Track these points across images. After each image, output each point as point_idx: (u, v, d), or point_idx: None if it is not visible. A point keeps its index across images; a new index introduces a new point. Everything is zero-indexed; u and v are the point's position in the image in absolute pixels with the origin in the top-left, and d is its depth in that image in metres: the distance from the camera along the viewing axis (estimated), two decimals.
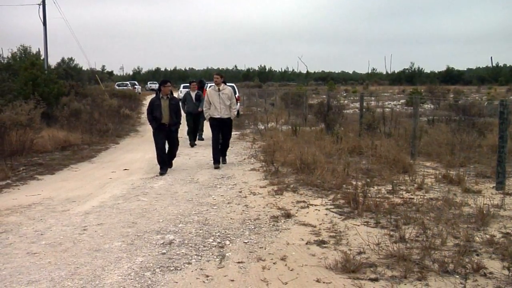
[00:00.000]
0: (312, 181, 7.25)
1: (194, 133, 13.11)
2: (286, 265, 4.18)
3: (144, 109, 27.17)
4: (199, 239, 4.92)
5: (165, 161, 8.90)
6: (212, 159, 9.45)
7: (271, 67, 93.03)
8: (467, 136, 10.31)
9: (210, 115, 9.29)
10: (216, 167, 9.15)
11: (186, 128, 13.02)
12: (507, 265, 3.81)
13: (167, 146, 9.12)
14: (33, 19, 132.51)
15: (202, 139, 13.85)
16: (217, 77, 9.28)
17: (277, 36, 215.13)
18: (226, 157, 9.81)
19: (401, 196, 6.42)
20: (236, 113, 9.68)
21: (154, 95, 10.20)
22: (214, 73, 9.80)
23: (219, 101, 9.17)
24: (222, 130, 9.38)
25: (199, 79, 15.26)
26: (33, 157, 10.44)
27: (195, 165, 9.71)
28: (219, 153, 9.46)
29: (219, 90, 9.20)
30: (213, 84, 9.45)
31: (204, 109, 9.51)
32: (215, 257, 4.41)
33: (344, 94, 35.69)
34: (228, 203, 6.43)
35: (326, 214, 5.72)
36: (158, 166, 8.94)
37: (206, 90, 12.57)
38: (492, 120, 12.26)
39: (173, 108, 8.89)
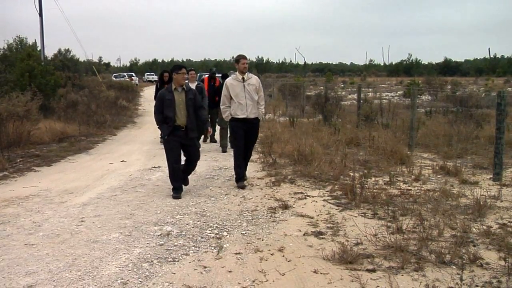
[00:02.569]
0: (310, 173, 7.25)
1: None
2: (283, 256, 4.19)
3: (142, 100, 27.19)
4: (196, 230, 4.93)
5: (179, 177, 6.48)
6: (234, 174, 7.11)
7: (268, 59, 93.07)
8: (464, 127, 10.33)
9: (232, 115, 6.91)
10: (241, 186, 6.77)
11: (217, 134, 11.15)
12: (504, 255, 3.83)
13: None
14: (29, 9, 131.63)
15: (215, 141, 11.57)
16: (245, 62, 6.85)
17: (275, 27, 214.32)
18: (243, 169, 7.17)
19: (399, 187, 6.43)
20: (264, 110, 7.22)
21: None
22: (234, 60, 7.12)
23: (245, 95, 6.78)
24: (247, 135, 6.94)
25: (211, 70, 12.22)
26: (30, 149, 10.40)
27: None
28: (244, 166, 7.14)
29: (243, 80, 6.83)
30: (235, 72, 7.17)
31: (222, 107, 7.03)
32: (212, 248, 4.42)
33: (342, 86, 35.67)
34: (226, 194, 6.44)
35: (324, 205, 5.74)
36: (168, 178, 6.70)
37: (218, 80, 11.41)
38: (490, 112, 12.29)
39: (192, 104, 6.38)
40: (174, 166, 6.40)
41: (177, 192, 6.36)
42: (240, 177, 6.91)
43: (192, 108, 6.36)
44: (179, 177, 6.49)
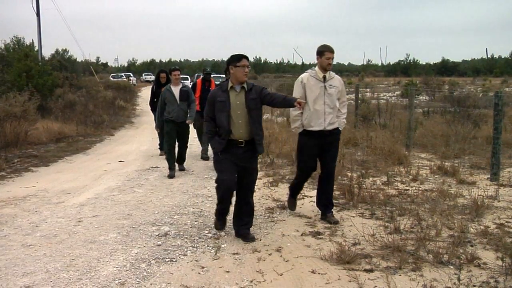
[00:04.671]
0: None
1: (179, 154, 8.23)
2: (281, 256, 4.19)
3: (139, 100, 27.14)
4: (194, 230, 4.92)
5: (226, 214, 4.86)
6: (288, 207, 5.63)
7: (266, 59, 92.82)
8: (462, 127, 10.35)
9: (304, 127, 5.08)
10: (334, 222, 5.03)
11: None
12: (501, 255, 3.83)
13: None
14: (26, 9, 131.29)
15: (207, 158, 9.19)
16: (330, 56, 5.00)
17: (272, 27, 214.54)
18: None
19: (396, 187, 6.44)
20: (345, 120, 5.36)
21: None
22: (318, 48, 5.10)
23: (324, 99, 4.99)
24: (324, 153, 5.15)
25: (205, 69, 9.81)
26: (28, 149, 10.38)
27: (190, 156, 9.68)
28: (326, 196, 5.24)
29: (324, 79, 5.01)
30: (312, 70, 5.15)
31: (293, 113, 5.12)
32: (210, 248, 4.41)
33: None
34: None
35: None
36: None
37: (213, 83, 9.31)
38: (487, 112, 12.31)
39: (255, 107, 4.57)
40: (225, 198, 4.61)
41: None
42: (329, 209, 5.16)
43: (257, 114, 4.53)
44: (226, 214, 4.80)
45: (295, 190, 5.48)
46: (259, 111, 4.56)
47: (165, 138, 8.08)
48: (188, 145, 8.39)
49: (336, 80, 5.13)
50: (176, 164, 8.07)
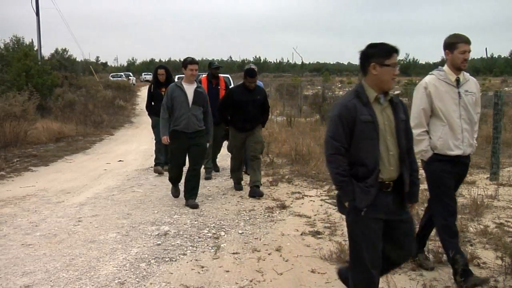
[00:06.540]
0: (307, 172, 7.26)
1: (190, 185, 5.95)
2: (281, 255, 4.20)
3: (139, 100, 27.11)
4: (194, 230, 4.92)
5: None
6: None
7: (266, 58, 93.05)
8: None
9: (436, 150, 3.66)
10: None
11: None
12: (501, 255, 3.83)
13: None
14: (26, 9, 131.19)
15: (217, 170, 7.91)
16: (465, 46, 3.63)
17: (272, 27, 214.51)
18: None
19: None
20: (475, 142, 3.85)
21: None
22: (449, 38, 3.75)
23: (459, 111, 3.64)
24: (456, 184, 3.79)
25: (213, 63, 7.66)
26: (27, 149, 10.37)
27: None
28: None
29: (458, 83, 3.65)
30: (439, 71, 3.76)
31: (416, 132, 3.54)
32: (210, 248, 4.41)
33: (339, 85, 35.64)
34: (223, 194, 6.43)
35: (321, 205, 5.74)
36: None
37: (222, 80, 7.67)
38: (487, 111, 12.29)
39: (404, 128, 2.93)
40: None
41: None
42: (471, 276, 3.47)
43: (407, 140, 2.91)
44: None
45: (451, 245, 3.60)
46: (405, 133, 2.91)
47: (170, 159, 6.15)
48: None
49: (472, 83, 3.74)
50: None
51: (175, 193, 6.18)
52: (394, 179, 2.83)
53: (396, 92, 27.18)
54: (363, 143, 2.76)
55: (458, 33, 3.73)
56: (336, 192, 2.79)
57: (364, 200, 2.74)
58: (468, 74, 3.77)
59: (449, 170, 3.61)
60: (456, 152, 3.60)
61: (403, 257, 3.02)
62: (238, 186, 6.64)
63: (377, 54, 2.77)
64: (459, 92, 3.62)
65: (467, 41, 3.64)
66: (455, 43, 3.64)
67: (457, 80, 3.64)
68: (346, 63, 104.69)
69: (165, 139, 5.83)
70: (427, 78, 3.72)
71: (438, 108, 3.61)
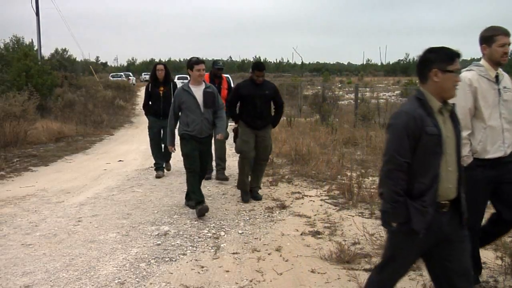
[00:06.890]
0: (307, 172, 7.26)
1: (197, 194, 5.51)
2: (281, 255, 4.20)
3: (139, 100, 27.09)
4: (194, 230, 4.92)
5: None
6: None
7: (266, 58, 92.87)
8: None
9: (476, 154, 3.36)
10: None
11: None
12: (500, 255, 3.84)
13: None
14: (26, 9, 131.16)
15: (226, 178, 7.23)
16: (505, 39, 3.34)
17: (272, 27, 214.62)
18: None
19: None
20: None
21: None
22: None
23: (499, 110, 3.36)
24: (501, 191, 3.40)
25: (217, 63, 7.61)
26: (27, 149, 10.37)
27: None
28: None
29: (497, 80, 3.38)
30: (478, 66, 3.45)
31: (464, 134, 3.18)
32: (210, 248, 4.41)
33: (339, 85, 35.65)
34: (223, 194, 6.43)
35: (321, 205, 5.74)
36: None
37: (225, 80, 7.45)
38: None
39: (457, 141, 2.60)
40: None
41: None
42: None
43: (458, 157, 2.56)
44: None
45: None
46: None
47: (186, 163, 5.49)
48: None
49: (507, 79, 3.48)
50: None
51: (204, 209, 5.30)
52: (451, 198, 2.50)
53: (397, 92, 27.20)
54: (425, 158, 2.44)
55: (496, 25, 3.43)
56: (380, 208, 2.56)
57: (421, 222, 2.41)
58: (501, 69, 3.48)
59: (487, 175, 3.32)
60: (494, 155, 3.32)
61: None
62: (246, 198, 6.04)
63: (439, 59, 2.50)
64: (499, 89, 3.35)
65: (506, 33, 3.35)
66: (492, 36, 3.36)
67: (497, 77, 3.38)
68: (346, 63, 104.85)
69: (171, 148, 5.71)
70: (469, 74, 3.37)
71: (481, 108, 3.32)
